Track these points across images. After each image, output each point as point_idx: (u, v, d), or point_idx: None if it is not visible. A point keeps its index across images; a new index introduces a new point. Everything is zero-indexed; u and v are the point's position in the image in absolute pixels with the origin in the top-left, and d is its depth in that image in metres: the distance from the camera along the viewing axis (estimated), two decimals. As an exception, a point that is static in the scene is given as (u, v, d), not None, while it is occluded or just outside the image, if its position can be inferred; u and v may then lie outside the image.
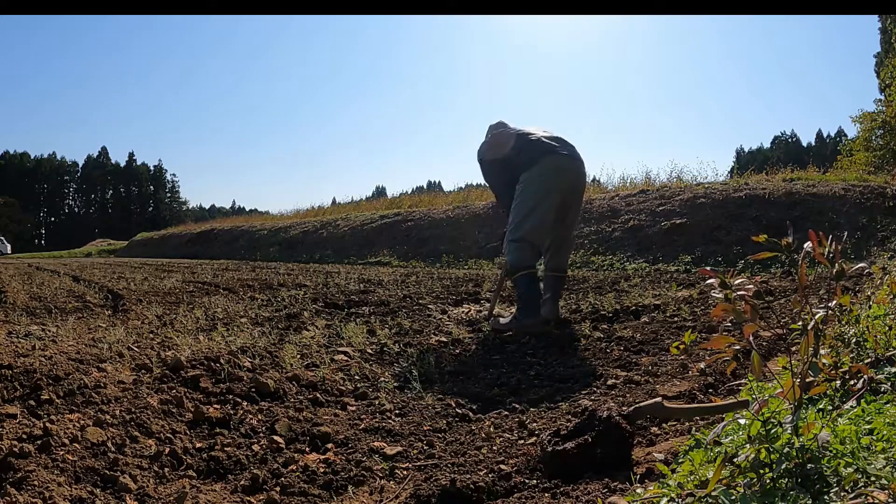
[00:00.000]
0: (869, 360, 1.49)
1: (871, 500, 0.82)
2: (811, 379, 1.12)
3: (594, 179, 13.30)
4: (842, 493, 0.87)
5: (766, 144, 70.49)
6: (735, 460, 1.02)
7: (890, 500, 0.81)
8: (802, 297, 1.05)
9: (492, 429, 1.82)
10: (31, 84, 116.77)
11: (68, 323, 3.43)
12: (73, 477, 1.37)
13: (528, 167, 3.33)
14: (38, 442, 1.45)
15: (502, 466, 1.52)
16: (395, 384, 2.35)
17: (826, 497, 0.87)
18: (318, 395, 2.15)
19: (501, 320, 3.30)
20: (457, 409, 2.02)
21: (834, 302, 1.07)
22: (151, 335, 2.95)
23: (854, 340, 1.57)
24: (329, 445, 1.73)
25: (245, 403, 1.99)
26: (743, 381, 1.93)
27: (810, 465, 0.92)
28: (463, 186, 18.19)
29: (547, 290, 3.52)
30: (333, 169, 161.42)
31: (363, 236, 13.09)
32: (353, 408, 2.09)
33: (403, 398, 2.18)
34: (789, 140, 69.88)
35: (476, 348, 2.93)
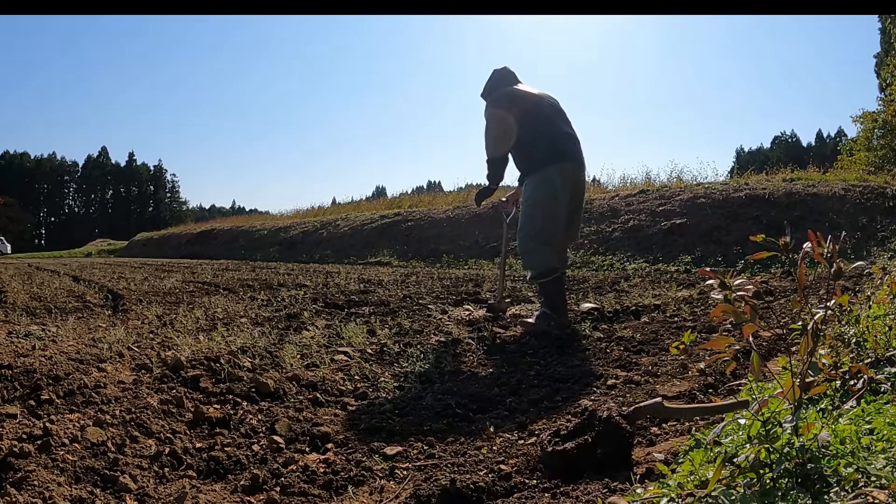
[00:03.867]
0: (869, 360, 1.49)
1: (871, 500, 0.82)
2: (811, 379, 1.12)
3: (594, 179, 13.31)
4: (842, 493, 0.87)
5: (766, 144, 70.55)
6: (735, 460, 1.02)
7: (890, 500, 0.81)
8: (802, 297, 1.05)
9: (492, 429, 1.82)
10: (31, 84, 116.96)
11: (68, 323, 3.43)
12: (73, 477, 1.37)
13: (537, 169, 3.33)
14: (38, 442, 1.45)
15: (502, 466, 1.52)
16: (395, 384, 2.35)
17: (826, 497, 0.87)
18: (318, 395, 2.15)
19: (529, 320, 3.30)
20: (457, 409, 2.02)
21: (833, 302, 1.07)
22: (151, 335, 2.95)
23: (854, 340, 1.57)
24: (329, 445, 1.73)
25: (245, 403, 1.99)
26: (743, 381, 1.93)
27: (810, 465, 0.92)
28: (463, 186, 18.14)
29: None
30: (333, 169, 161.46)
31: (363, 236, 13.10)
32: (353, 408, 2.09)
33: (403, 398, 2.18)
34: (789, 140, 69.90)
35: (476, 348, 2.93)
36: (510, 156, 3.53)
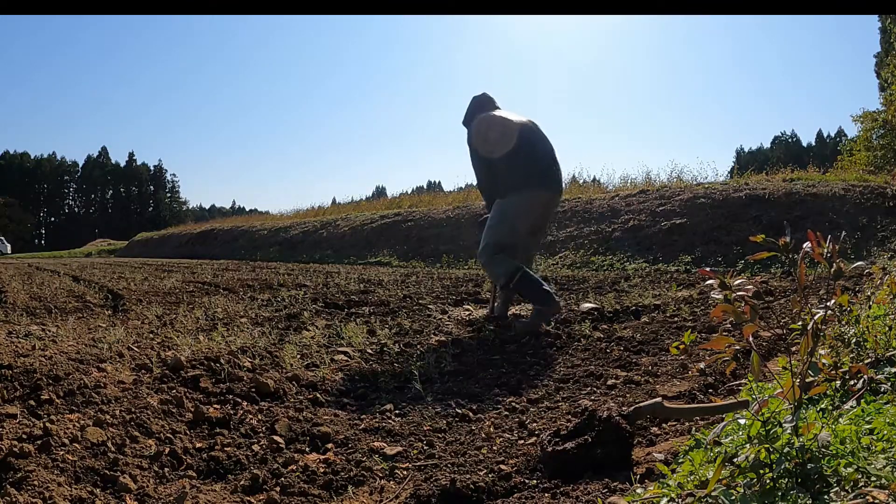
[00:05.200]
0: (869, 360, 1.49)
1: (871, 500, 0.82)
2: (811, 379, 1.12)
3: (594, 179, 13.32)
4: (842, 493, 0.87)
5: (766, 144, 70.57)
6: (735, 460, 1.02)
7: (890, 500, 0.81)
8: (802, 297, 1.05)
9: (492, 429, 1.82)
10: (31, 84, 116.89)
11: (68, 323, 3.43)
12: (73, 477, 1.37)
13: (513, 190, 3.37)
14: (38, 442, 1.45)
15: (502, 466, 1.52)
16: (395, 384, 2.35)
17: (826, 497, 0.87)
18: (318, 395, 2.15)
19: (524, 321, 3.31)
20: (457, 409, 2.02)
21: (833, 302, 1.07)
22: (151, 335, 2.95)
23: (854, 340, 1.57)
24: (329, 445, 1.73)
25: (245, 403, 1.99)
26: (743, 381, 1.93)
27: (810, 465, 0.92)
28: (463, 186, 18.14)
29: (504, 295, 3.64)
30: (333, 169, 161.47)
31: (363, 236, 13.10)
32: (353, 408, 2.09)
33: (403, 398, 2.18)
34: (789, 140, 69.90)
35: (476, 348, 2.93)
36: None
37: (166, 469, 1.51)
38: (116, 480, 1.39)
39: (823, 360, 1.33)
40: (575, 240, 8.59)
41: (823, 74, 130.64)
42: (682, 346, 1.22)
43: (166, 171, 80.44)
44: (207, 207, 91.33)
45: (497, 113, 3.54)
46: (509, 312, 3.75)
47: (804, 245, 1.06)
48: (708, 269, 1.10)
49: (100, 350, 2.34)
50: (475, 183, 3.83)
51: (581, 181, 13.72)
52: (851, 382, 1.34)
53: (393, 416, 1.98)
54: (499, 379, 2.38)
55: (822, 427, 0.96)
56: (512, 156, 3.37)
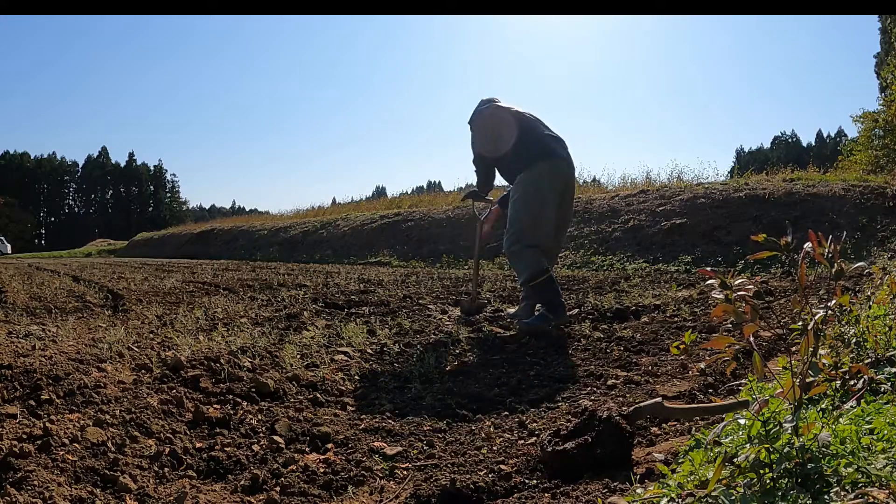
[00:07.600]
0: (869, 360, 1.49)
1: (871, 500, 0.82)
2: (811, 379, 1.12)
3: (594, 179, 13.32)
4: (842, 493, 0.87)
5: (766, 144, 70.68)
6: (735, 460, 1.02)
7: (890, 500, 0.81)
8: (802, 297, 1.05)
9: (492, 429, 1.82)
10: (31, 84, 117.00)
11: (68, 323, 3.43)
12: (73, 477, 1.37)
13: (525, 167, 3.31)
14: (38, 442, 1.45)
15: (502, 466, 1.52)
16: (395, 384, 2.35)
17: (826, 497, 0.87)
18: (318, 395, 2.15)
19: (528, 321, 3.27)
20: (457, 409, 2.02)
21: (833, 302, 1.07)
22: (151, 335, 2.95)
23: (854, 340, 1.57)
24: (329, 445, 1.73)
25: (245, 403, 1.99)
26: (743, 381, 1.93)
27: (810, 465, 0.92)
28: (463, 186, 18.15)
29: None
30: (333, 169, 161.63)
31: (363, 236, 13.09)
32: (353, 408, 2.09)
33: (403, 398, 2.18)
34: (789, 140, 69.95)
35: (476, 348, 2.93)
36: (497, 170, 3.56)
37: (166, 469, 1.51)
38: (116, 480, 1.39)
39: (823, 360, 1.33)
40: (575, 240, 8.58)
41: (823, 74, 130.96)
42: (682, 346, 1.22)
43: (166, 171, 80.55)
44: (207, 207, 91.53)
45: (492, 105, 3.52)
46: (508, 311, 3.75)
47: (805, 245, 1.06)
48: (708, 268, 1.10)
49: (100, 350, 2.33)
50: (476, 183, 3.81)
51: (581, 181, 13.72)
52: (851, 382, 1.33)
53: (393, 416, 1.98)
54: (499, 379, 2.38)
55: (823, 427, 0.96)
56: (519, 142, 3.35)
